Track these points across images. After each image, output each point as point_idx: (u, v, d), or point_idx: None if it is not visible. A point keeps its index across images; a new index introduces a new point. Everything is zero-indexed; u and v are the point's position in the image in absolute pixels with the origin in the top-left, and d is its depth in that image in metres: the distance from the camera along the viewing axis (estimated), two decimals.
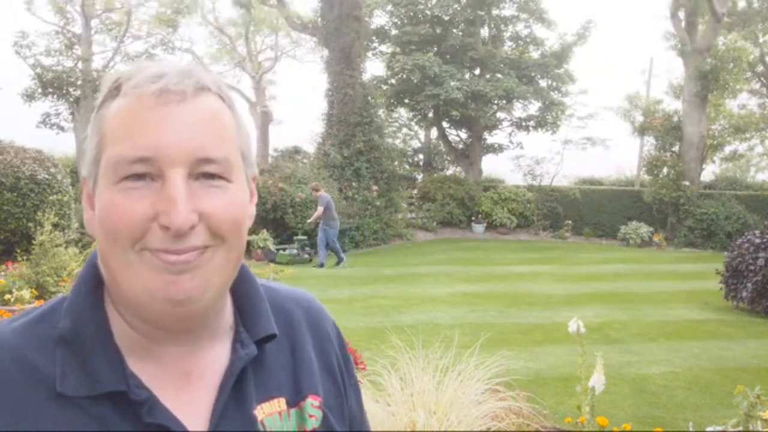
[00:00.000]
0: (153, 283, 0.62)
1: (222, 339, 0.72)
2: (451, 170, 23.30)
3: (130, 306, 0.66)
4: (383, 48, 22.00)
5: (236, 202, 0.66)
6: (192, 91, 0.64)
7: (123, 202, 0.62)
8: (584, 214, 19.60)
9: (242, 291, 0.75)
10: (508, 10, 21.09)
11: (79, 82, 17.76)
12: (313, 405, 0.75)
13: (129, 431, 0.63)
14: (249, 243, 11.82)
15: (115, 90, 0.65)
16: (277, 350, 0.75)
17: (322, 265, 12.03)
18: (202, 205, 0.63)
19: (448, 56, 20.08)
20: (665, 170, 18.23)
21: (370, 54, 20.74)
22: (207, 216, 0.63)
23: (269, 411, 0.71)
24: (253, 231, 12.14)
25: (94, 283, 0.69)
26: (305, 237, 13.22)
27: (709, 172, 23.05)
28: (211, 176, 0.64)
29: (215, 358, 0.71)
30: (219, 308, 0.71)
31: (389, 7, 20.79)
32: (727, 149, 23.09)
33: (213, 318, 0.70)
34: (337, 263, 12.19)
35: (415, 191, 20.91)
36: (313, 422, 0.74)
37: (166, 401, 0.65)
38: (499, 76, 19.77)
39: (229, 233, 0.65)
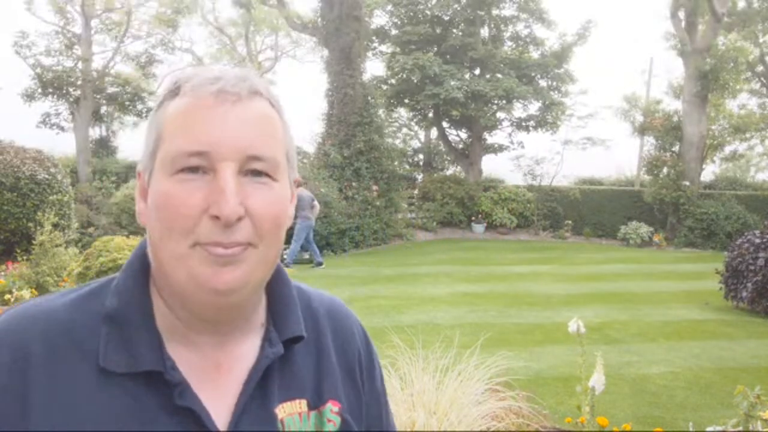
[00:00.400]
0: (200, 273, 0.66)
1: (253, 336, 0.76)
2: (451, 170, 23.29)
3: (175, 294, 0.70)
4: (383, 48, 21.98)
5: (279, 200, 0.71)
6: (246, 94, 0.69)
7: (178, 193, 0.66)
8: (584, 214, 19.59)
9: (276, 292, 0.79)
10: (508, 10, 21.07)
11: (79, 82, 17.76)
12: (332, 411, 0.78)
13: (160, 410, 0.67)
14: None
15: (175, 90, 0.71)
16: (304, 352, 0.79)
17: (319, 264, 12.02)
18: (248, 200, 0.67)
19: (448, 56, 20.07)
20: (665, 170, 18.21)
21: (370, 54, 20.72)
22: (252, 212, 0.68)
23: (290, 411, 0.74)
24: None
25: (141, 269, 0.74)
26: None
27: (709, 172, 23.06)
28: (259, 173, 0.69)
29: (245, 353, 0.75)
30: (255, 303, 0.76)
31: (389, 7, 20.76)
32: (727, 149, 23.08)
33: (249, 312, 0.75)
34: (285, 262, 11.81)
35: (415, 191, 20.90)
36: (331, 427, 0.77)
37: (195, 388, 0.69)
38: (499, 76, 19.75)
39: (270, 230, 0.69)
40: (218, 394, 0.71)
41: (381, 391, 0.90)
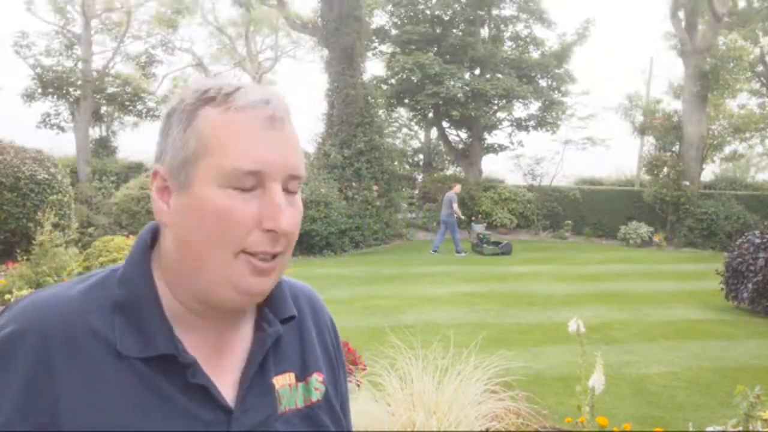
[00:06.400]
0: (241, 280, 0.74)
1: (248, 320, 0.84)
2: (451, 170, 23.28)
3: (200, 291, 0.76)
4: (383, 48, 21.96)
5: (301, 213, 0.80)
6: (287, 117, 0.78)
7: (234, 205, 0.73)
8: (584, 214, 19.58)
9: None
10: (508, 10, 21.07)
11: (79, 82, 17.76)
12: (317, 380, 0.88)
13: (174, 388, 0.74)
14: None
15: (207, 99, 0.75)
16: (289, 331, 0.88)
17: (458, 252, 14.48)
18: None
19: (448, 56, 20.04)
20: (665, 170, 18.20)
21: (370, 54, 20.70)
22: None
23: (282, 383, 0.83)
24: None
25: (144, 259, 0.80)
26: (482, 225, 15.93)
27: (709, 172, 23.03)
28: (291, 191, 0.77)
29: (243, 335, 0.83)
30: None
31: (389, 7, 20.76)
32: (727, 149, 23.05)
33: None
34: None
35: (416, 191, 20.86)
36: (317, 395, 0.87)
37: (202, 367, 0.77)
38: (499, 75, 19.74)
39: (294, 239, 0.78)
40: (221, 373, 0.78)
41: (345, 368, 1.00)
